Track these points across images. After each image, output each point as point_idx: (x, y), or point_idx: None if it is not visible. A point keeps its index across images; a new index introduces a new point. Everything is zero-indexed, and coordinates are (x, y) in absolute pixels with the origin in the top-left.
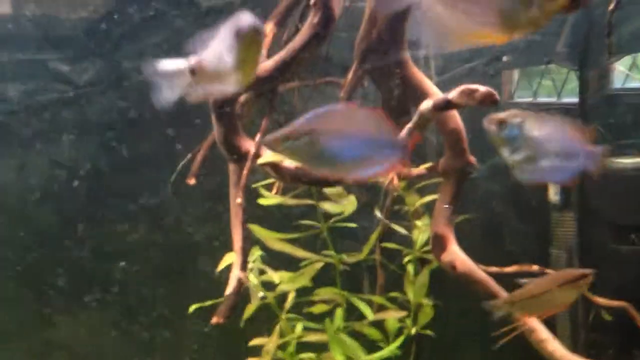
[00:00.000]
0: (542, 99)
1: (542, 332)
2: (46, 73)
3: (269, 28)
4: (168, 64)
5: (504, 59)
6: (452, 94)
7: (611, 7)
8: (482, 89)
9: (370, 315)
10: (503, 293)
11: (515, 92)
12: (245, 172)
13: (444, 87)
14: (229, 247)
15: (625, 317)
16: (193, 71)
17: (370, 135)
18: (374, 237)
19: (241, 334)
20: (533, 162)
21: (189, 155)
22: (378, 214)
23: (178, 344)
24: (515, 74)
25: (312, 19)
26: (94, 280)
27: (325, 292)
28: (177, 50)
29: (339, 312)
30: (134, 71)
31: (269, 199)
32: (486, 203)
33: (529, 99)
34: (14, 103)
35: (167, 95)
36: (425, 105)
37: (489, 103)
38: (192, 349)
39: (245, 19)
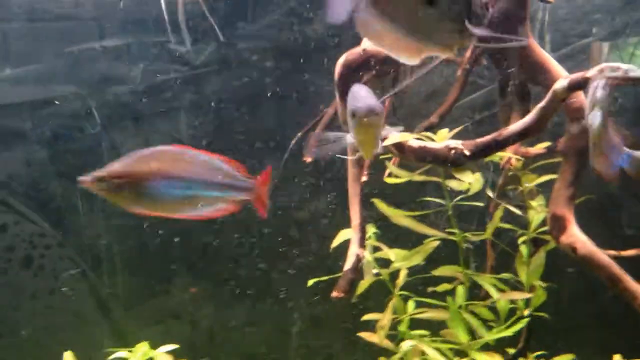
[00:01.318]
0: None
1: None
2: (166, 54)
3: None
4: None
5: (594, 30)
6: (591, 73)
7: None
8: (623, 67)
9: (495, 294)
10: (627, 277)
11: None
12: None
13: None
14: (336, 225)
15: None
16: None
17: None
18: (497, 216)
19: (348, 310)
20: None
21: (299, 134)
22: (490, 193)
23: (289, 318)
24: (605, 47)
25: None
26: (212, 255)
27: (447, 270)
28: (289, 30)
29: (461, 290)
30: (247, 51)
31: (396, 178)
32: (602, 184)
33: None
34: (137, 83)
35: (338, 9)
36: (560, 84)
37: (633, 82)
38: (302, 321)
39: (363, 99)
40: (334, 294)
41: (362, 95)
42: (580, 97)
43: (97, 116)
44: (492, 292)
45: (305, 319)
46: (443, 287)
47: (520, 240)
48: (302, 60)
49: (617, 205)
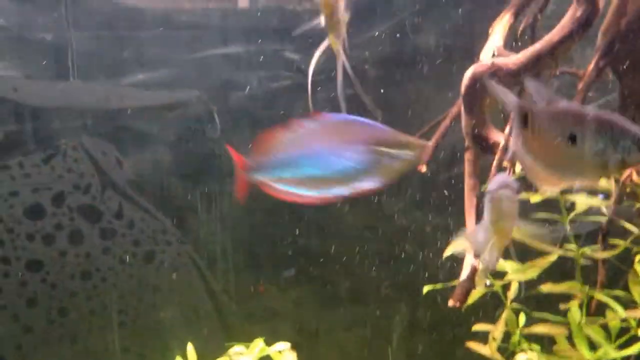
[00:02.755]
0: None
1: None
2: (280, 62)
3: (506, 18)
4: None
5: None
6: None
7: None
8: None
9: (621, 311)
10: None
11: None
12: (495, 163)
13: None
14: (440, 234)
15: None
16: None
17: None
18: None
19: (449, 320)
20: None
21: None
22: (604, 208)
23: (388, 323)
24: None
25: (575, 12)
26: (313, 259)
27: (564, 287)
28: (401, 40)
29: (578, 306)
30: (359, 60)
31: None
32: None
33: None
34: (254, 89)
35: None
36: None
37: None
38: (401, 328)
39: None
40: (451, 302)
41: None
42: None
43: (217, 121)
44: (618, 309)
45: (406, 325)
46: (572, 304)
47: (637, 258)
48: (414, 71)
49: None
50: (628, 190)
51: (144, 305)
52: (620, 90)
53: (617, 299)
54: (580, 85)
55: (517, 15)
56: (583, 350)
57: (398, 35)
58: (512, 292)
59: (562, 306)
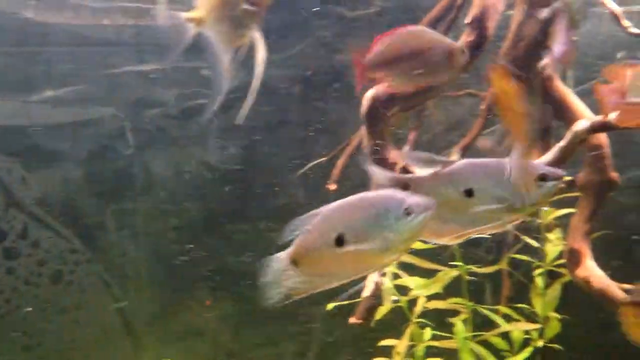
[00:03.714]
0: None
1: None
2: (196, 80)
3: None
4: (273, 260)
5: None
6: (613, 117)
7: None
8: None
9: (504, 325)
10: None
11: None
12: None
13: (581, 98)
14: None
15: None
16: (295, 261)
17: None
18: (508, 253)
19: (366, 334)
20: None
21: (319, 160)
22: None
23: (307, 339)
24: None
25: (467, 37)
26: (235, 273)
27: (450, 303)
28: (320, 59)
29: (463, 322)
30: (277, 79)
31: None
32: (620, 217)
33: None
34: (170, 107)
35: (273, 295)
36: (581, 125)
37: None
38: (323, 343)
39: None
40: (352, 319)
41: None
42: (599, 135)
43: (130, 138)
44: (501, 322)
45: (323, 341)
46: (458, 318)
47: (537, 272)
48: (328, 90)
49: (636, 240)
50: None
51: (51, 326)
52: None
53: (521, 311)
54: (482, 106)
55: None
56: None
57: (315, 53)
58: (418, 308)
59: (452, 320)
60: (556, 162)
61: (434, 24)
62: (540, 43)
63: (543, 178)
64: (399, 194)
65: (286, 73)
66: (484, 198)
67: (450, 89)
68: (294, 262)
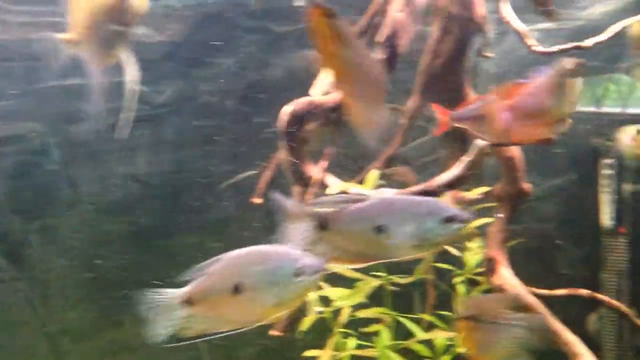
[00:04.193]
0: (607, 109)
1: (586, 357)
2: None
3: None
4: (161, 295)
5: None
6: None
7: None
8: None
9: (419, 333)
10: (552, 318)
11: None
12: (308, 196)
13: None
14: None
15: None
16: (189, 301)
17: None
18: (426, 261)
19: (296, 345)
20: None
21: (247, 174)
22: None
23: (235, 353)
24: (580, 82)
25: (380, 55)
26: (162, 287)
27: (374, 312)
28: (250, 73)
29: (386, 331)
30: (207, 93)
31: None
32: (541, 227)
33: (592, 109)
34: (97, 121)
35: (160, 331)
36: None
37: (544, 143)
38: (250, 357)
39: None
40: (273, 332)
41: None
42: (512, 148)
43: (56, 154)
44: (417, 331)
45: (253, 351)
46: (374, 327)
47: (458, 279)
48: (260, 104)
49: (553, 247)
50: None
51: None
52: None
53: (444, 318)
54: (402, 121)
55: None
56: None
57: (245, 68)
58: (343, 318)
59: (368, 329)
60: (463, 175)
61: None
62: (456, 59)
63: (449, 220)
64: (294, 252)
65: (215, 87)
66: (394, 235)
67: None
68: (189, 301)
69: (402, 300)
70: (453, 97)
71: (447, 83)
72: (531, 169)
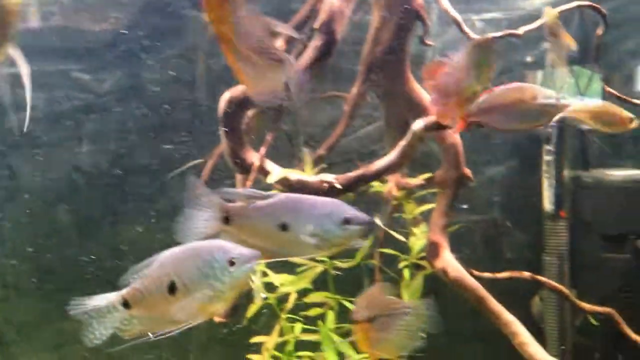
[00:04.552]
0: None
1: (524, 336)
2: (69, 83)
3: (279, 44)
4: (98, 299)
5: (528, 59)
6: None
7: (599, 32)
8: None
9: None
10: (491, 298)
11: None
12: (249, 183)
13: None
14: None
15: (612, 323)
16: (126, 304)
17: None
18: (366, 245)
19: (247, 332)
20: None
21: (192, 162)
22: (378, 221)
23: (184, 340)
24: (539, 75)
25: (316, 41)
26: (109, 277)
27: (318, 296)
28: (195, 62)
29: (330, 315)
30: (151, 82)
31: None
32: (486, 212)
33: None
34: (39, 111)
35: (98, 335)
36: (417, 125)
37: (475, 125)
38: (199, 344)
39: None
40: (217, 318)
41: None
42: (452, 134)
43: None
44: None
45: (203, 340)
46: (314, 311)
47: (402, 264)
48: (203, 93)
49: (499, 232)
50: (395, 203)
51: None
52: (384, 114)
53: None
54: (346, 108)
55: (289, 42)
56: (329, 355)
57: (191, 58)
58: (289, 304)
59: (309, 313)
60: (399, 160)
61: (299, 29)
62: (396, 48)
63: (348, 221)
64: (226, 244)
65: (160, 76)
66: (295, 233)
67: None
68: (126, 304)
69: (353, 287)
70: (395, 85)
71: (388, 70)
72: (477, 156)
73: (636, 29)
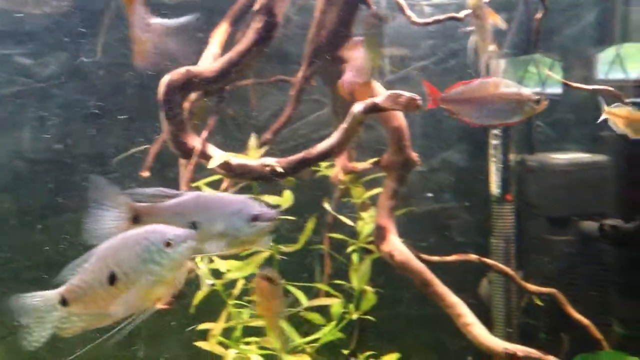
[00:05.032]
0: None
1: (468, 317)
2: (10, 67)
3: (224, 27)
4: (35, 298)
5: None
6: (379, 99)
7: (538, 15)
8: (406, 94)
9: (304, 301)
10: (437, 281)
11: None
12: (190, 167)
13: (392, 86)
14: None
15: (556, 303)
16: (64, 302)
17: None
18: (309, 227)
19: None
20: None
21: (138, 149)
22: (327, 206)
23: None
24: (502, 64)
25: (256, 24)
26: (57, 266)
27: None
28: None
29: None
30: (94, 66)
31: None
32: (437, 197)
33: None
34: None
35: (37, 336)
36: (357, 108)
37: (413, 108)
38: (146, 332)
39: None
40: (158, 304)
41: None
42: (397, 118)
43: None
44: (302, 299)
45: (148, 330)
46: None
47: (350, 249)
48: (150, 77)
49: (450, 216)
50: (343, 188)
51: None
52: (331, 98)
53: (340, 287)
54: (292, 93)
55: (234, 24)
56: (273, 339)
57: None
58: (237, 290)
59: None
60: (341, 143)
61: (239, 16)
62: (340, 32)
63: (255, 219)
64: (161, 227)
65: (102, 60)
66: (205, 231)
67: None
68: (65, 302)
69: (305, 272)
70: (340, 69)
71: (333, 55)
72: (427, 140)
73: (579, 14)
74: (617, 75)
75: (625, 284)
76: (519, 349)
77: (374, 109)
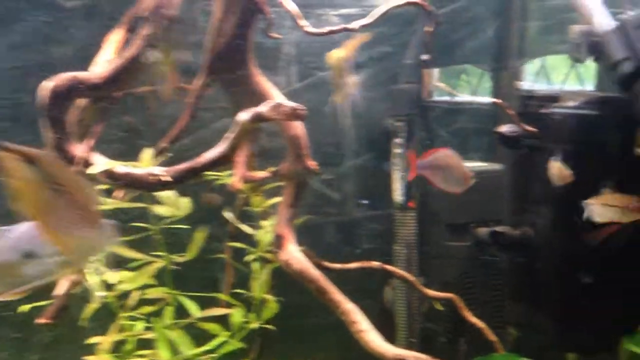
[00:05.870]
0: (460, 99)
1: (362, 324)
2: None
3: (120, 33)
4: None
5: (423, 57)
6: (263, 108)
7: (428, 29)
8: (289, 104)
9: (196, 312)
10: (333, 289)
11: (434, 92)
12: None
13: (302, 93)
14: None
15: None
16: None
17: None
18: (198, 237)
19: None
20: None
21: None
22: (227, 215)
23: (26, 341)
24: (436, 73)
25: (144, 30)
26: None
27: (154, 292)
28: (36, 51)
29: (169, 310)
30: None
31: (108, 204)
32: (344, 204)
33: (447, 98)
34: None
35: None
36: (243, 117)
37: (295, 118)
38: (41, 346)
39: None
40: (40, 320)
41: None
42: (295, 127)
43: None
44: (194, 309)
45: (44, 343)
46: (146, 309)
47: (250, 258)
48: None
49: (355, 224)
50: (244, 196)
51: None
52: (231, 106)
53: (240, 297)
54: (188, 100)
55: (131, 30)
56: (163, 351)
57: (28, 44)
58: (131, 301)
59: (142, 310)
60: (228, 152)
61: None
62: (239, 39)
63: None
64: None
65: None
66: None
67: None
68: None
69: (208, 282)
70: (238, 77)
71: (232, 62)
72: (333, 149)
73: (481, 28)
74: (542, 86)
75: (513, 288)
76: (410, 355)
77: (259, 118)
